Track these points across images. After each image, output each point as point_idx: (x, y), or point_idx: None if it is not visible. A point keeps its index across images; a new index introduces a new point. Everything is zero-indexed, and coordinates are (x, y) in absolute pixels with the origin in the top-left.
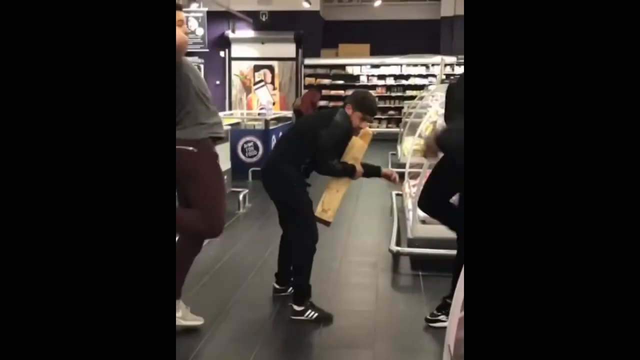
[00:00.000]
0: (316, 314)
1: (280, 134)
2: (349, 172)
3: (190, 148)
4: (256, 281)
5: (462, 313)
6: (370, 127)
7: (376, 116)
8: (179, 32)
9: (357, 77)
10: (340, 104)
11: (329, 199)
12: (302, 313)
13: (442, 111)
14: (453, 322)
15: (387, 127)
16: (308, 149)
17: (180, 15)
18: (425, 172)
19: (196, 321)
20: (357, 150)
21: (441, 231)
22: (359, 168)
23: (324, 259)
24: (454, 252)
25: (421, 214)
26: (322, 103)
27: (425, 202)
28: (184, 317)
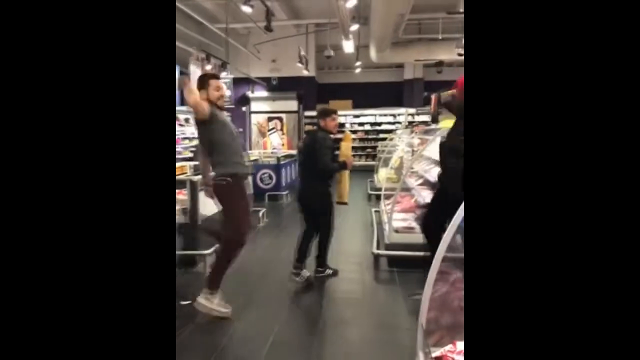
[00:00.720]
0: (331, 271)
1: (289, 167)
2: (342, 166)
3: (225, 180)
4: (274, 274)
5: (432, 296)
6: (353, 157)
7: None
8: (218, 93)
9: (342, 124)
10: None
11: (341, 189)
12: (323, 272)
13: (408, 149)
14: (425, 305)
15: (365, 161)
16: (316, 163)
17: (216, 82)
18: (397, 194)
19: (226, 309)
20: (345, 149)
21: (410, 238)
22: (349, 161)
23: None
24: (420, 253)
25: (395, 224)
26: None
27: (424, 226)
28: (219, 306)
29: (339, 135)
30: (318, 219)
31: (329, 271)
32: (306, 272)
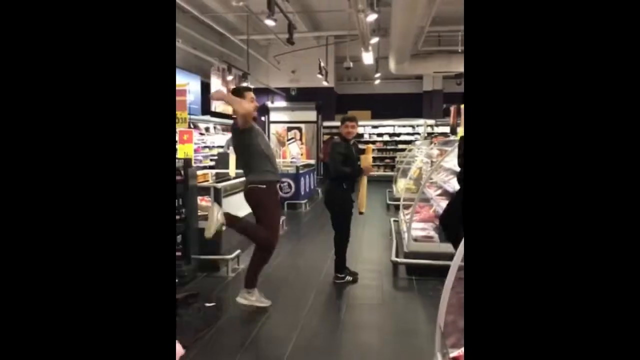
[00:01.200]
0: (350, 277)
1: (307, 177)
2: (355, 171)
3: (262, 186)
4: (295, 280)
5: (450, 300)
6: (373, 167)
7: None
8: (251, 105)
9: (361, 135)
10: None
11: (361, 198)
12: (342, 278)
13: (427, 160)
14: (442, 308)
15: (384, 171)
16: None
17: (251, 94)
18: (417, 204)
19: (265, 301)
20: (366, 159)
21: (429, 247)
22: (365, 167)
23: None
24: (439, 262)
25: (414, 233)
26: None
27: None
28: (258, 299)
29: (362, 146)
30: (334, 222)
31: (348, 278)
32: (347, 277)
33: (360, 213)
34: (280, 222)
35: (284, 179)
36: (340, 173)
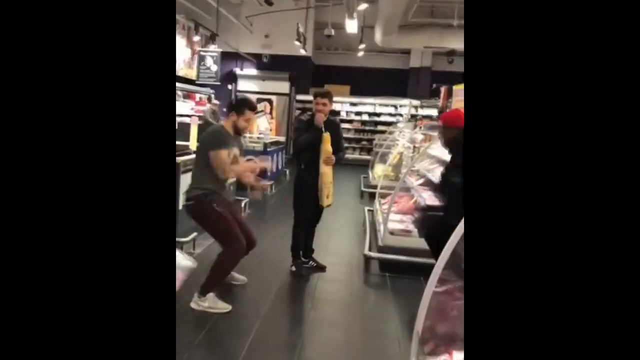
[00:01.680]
0: (296, 267)
1: (276, 155)
2: (309, 140)
3: (190, 202)
4: (257, 269)
5: (428, 305)
6: (344, 151)
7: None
8: (246, 125)
9: (338, 112)
10: None
11: (321, 189)
12: (294, 264)
13: (409, 145)
14: (422, 312)
15: (360, 154)
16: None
17: (252, 115)
18: (396, 194)
19: (223, 309)
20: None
21: (406, 241)
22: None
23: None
24: (416, 259)
25: (390, 226)
26: None
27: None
28: (212, 304)
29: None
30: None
31: (293, 267)
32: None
33: (321, 207)
34: (231, 228)
35: (249, 157)
36: (296, 147)
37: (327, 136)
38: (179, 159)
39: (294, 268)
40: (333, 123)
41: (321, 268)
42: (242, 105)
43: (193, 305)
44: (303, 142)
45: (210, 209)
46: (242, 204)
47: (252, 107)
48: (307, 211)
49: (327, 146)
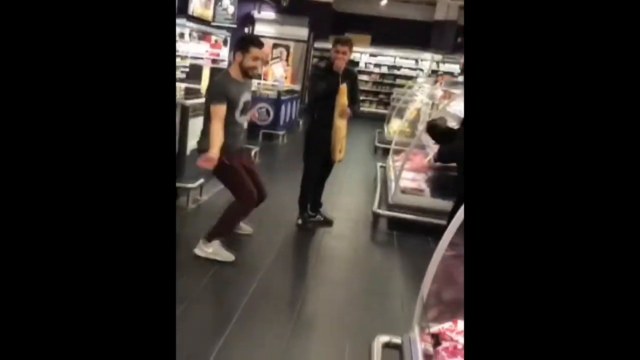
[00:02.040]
0: (306, 221)
1: (290, 104)
2: (325, 92)
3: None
4: (263, 221)
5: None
6: (361, 106)
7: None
8: (253, 64)
9: (357, 63)
10: None
11: (334, 143)
12: (300, 218)
13: (428, 101)
14: (429, 275)
15: (376, 108)
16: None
17: (259, 52)
18: (411, 151)
19: (227, 258)
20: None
21: (417, 200)
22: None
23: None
24: (426, 218)
25: (402, 184)
26: None
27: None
28: (217, 252)
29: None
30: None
31: (300, 220)
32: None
33: (333, 161)
34: (242, 178)
35: (261, 104)
36: (310, 95)
37: (343, 88)
38: (189, 102)
39: (300, 221)
40: (351, 73)
41: (328, 223)
42: (246, 43)
43: (197, 251)
44: (319, 91)
45: (221, 163)
46: (252, 153)
47: (259, 44)
48: (318, 164)
49: (343, 98)
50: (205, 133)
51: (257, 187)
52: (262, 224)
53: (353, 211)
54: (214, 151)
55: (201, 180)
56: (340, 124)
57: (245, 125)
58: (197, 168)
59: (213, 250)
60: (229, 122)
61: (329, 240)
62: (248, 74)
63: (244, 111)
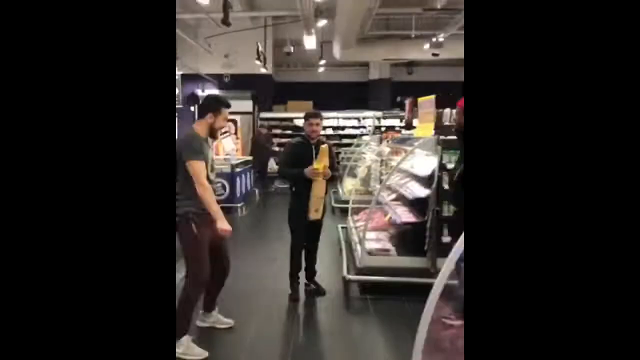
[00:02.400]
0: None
1: (244, 176)
2: (299, 175)
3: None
4: (231, 301)
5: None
6: (318, 172)
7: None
8: (223, 124)
9: (302, 128)
10: None
11: (312, 203)
12: (290, 289)
13: (376, 158)
14: (419, 343)
15: None
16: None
17: (227, 113)
18: (372, 209)
19: (198, 356)
20: (319, 162)
21: (385, 261)
22: (310, 172)
23: (283, 282)
24: (397, 278)
25: (368, 245)
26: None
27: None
28: (187, 350)
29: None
30: None
31: (291, 292)
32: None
33: (319, 223)
34: (200, 257)
35: (217, 180)
36: (282, 174)
37: (325, 148)
38: None
39: (290, 291)
40: (323, 143)
41: (321, 292)
42: (216, 103)
43: None
44: (293, 175)
45: (187, 227)
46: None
47: (228, 104)
48: (303, 232)
49: (325, 158)
50: (184, 196)
51: (220, 263)
52: (227, 303)
53: (323, 279)
54: (223, 221)
55: None
56: (320, 184)
57: (213, 184)
58: None
59: (183, 349)
60: (193, 185)
61: (304, 311)
62: (215, 135)
63: (212, 169)
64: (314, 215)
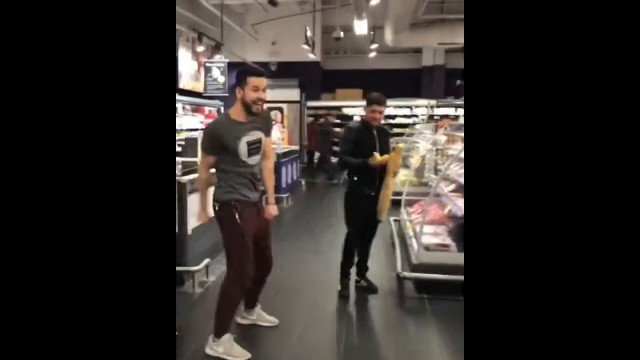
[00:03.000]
0: (342, 288)
1: (290, 166)
2: (362, 165)
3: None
4: (275, 297)
5: None
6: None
7: None
8: (255, 95)
9: (351, 117)
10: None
11: (380, 202)
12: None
13: (431, 147)
14: None
15: None
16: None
17: (257, 80)
18: (429, 201)
19: (241, 357)
20: (392, 160)
21: (444, 257)
22: (375, 161)
23: (330, 277)
24: (457, 276)
25: (424, 240)
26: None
27: None
28: (228, 351)
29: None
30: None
31: (340, 288)
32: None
33: (378, 221)
34: (244, 250)
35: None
36: (343, 162)
37: (400, 147)
38: (185, 178)
39: (340, 287)
40: (385, 132)
41: (373, 290)
42: (241, 75)
43: (207, 350)
44: (355, 164)
45: (229, 217)
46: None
47: (255, 72)
48: (362, 226)
49: (398, 158)
50: (218, 183)
51: (262, 259)
52: (272, 300)
53: (375, 276)
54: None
55: (206, 261)
56: (391, 183)
57: (257, 169)
58: (200, 248)
59: (224, 349)
60: (233, 170)
61: (353, 312)
62: (252, 110)
63: (253, 152)
64: (382, 215)
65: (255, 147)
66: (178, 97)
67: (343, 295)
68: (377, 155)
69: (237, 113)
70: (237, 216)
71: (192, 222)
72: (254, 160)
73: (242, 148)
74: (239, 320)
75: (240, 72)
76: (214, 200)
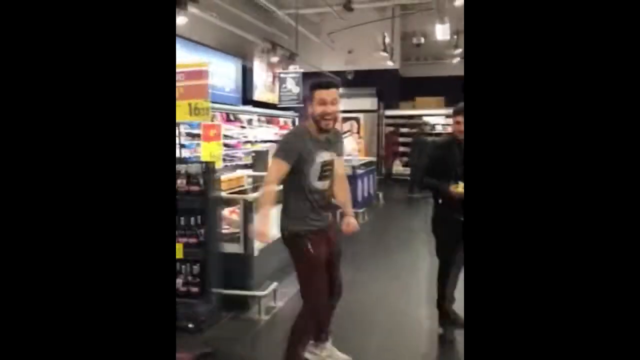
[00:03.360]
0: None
1: (366, 178)
2: (443, 188)
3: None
4: (352, 329)
5: None
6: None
7: None
8: (321, 109)
9: (433, 126)
10: None
11: None
12: (441, 324)
13: None
14: None
15: None
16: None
17: (323, 94)
18: None
19: None
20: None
21: None
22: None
23: (411, 305)
24: None
25: None
26: (401, 149)
27: None
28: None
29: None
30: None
31: (441, 329)
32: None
33: None
34: (325, 285)
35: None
36: (422, 184)
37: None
38: (252, 196)
39: (441, 330)
40: None
41: (461, 324)
42: (309, 89)
43: None
44: (434, 186)
45: (301, 249)
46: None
47: (321, 84)
48: (455, 255)
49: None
50: (284, 210)
51: (331, 283)
52: (345, 333)
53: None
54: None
55: (273, 285)
56: None
57: (327, 195)
58: (267, 272)
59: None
60: (303, 192)
61: (444, 350)
62: (321, 126)
63: (324, 176)
64: None
65: (326, 170)
66: (252, 108)
67: (446, 340)
68: (461, 185)
69: (312, 129)
70: (309, 247)
71: (258, 244)
72: (323, 185)
73: (315, 169)
74: (308, 356)
75: (308, 86)
76: (282, 228)
